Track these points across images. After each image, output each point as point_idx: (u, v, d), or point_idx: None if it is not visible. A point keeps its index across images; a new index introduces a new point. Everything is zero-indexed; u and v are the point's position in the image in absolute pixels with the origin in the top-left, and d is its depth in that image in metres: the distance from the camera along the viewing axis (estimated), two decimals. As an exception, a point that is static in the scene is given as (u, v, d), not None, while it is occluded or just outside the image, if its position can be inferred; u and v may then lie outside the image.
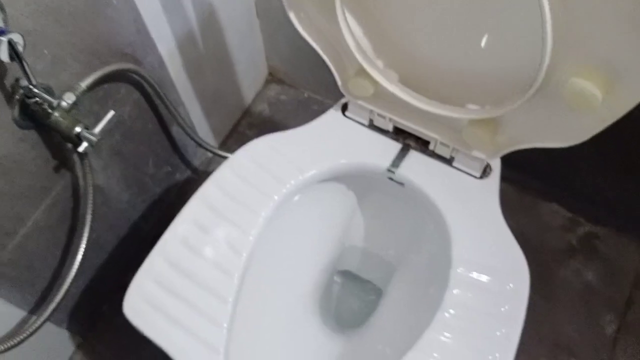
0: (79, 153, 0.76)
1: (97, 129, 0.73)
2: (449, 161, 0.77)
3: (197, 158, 1.22)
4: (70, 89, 0.73)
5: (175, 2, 0.92)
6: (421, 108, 0.71)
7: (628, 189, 1.06)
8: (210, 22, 1.04)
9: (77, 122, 0.71)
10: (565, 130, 0.63)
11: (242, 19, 1.15)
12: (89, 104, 0.81)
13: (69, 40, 0.73)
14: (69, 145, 0.78)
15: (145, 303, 0.67)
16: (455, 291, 0.67)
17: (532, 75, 0.57)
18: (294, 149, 0.78)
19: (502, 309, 0.66)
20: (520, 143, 0.68)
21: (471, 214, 0.73)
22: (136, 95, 0.92)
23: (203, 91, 1.11)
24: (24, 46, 0.61)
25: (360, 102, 0.78)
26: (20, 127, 0.71)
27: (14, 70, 0.65)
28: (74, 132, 0.71)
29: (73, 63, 0.75)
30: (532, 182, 1.19)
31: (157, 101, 0.96)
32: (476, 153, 0.74)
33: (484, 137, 0.69)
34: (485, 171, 0.77)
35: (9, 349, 0.72)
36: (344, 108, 0.82)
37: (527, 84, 0.58)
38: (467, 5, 0.61)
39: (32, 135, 0.74)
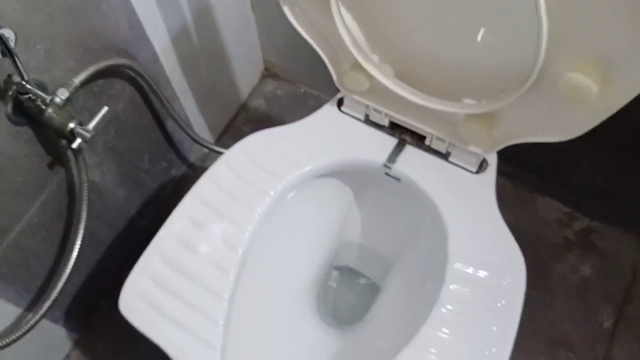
0: (73, 149, 0.75)
1: (91, 124, 0.72)
2: (445, 156, 0.77)
3: (193, 154, 1.21)
4: (64, 84, 0.73)
5: (170, -4, 0.92)
6: (417, 103, 0.71)
7: (625, 184, 1.06)
8: (205, 17, 1.04)
9: (70, 118, 0.70)
10: (562, 124, 0.62)
11: (237, 13, 1.15)
12: (83, 100, 0.81)
13: (62, 36, 0.73)
14: (63, 142, 0.77)
15: (141, 300, 0.67)
16: (451, 286, 0.67)
17: (528, 69, 0.56)
18: (289, 144, 0.77)
19: (499, 304, 0.66)
20: (516, 137, 0.68)
21: (468, 209, 0.73)
22: (130, 90, 0.91)
23: (198, 86, 1.11)
24: (16, 42, 0.60)
25: (355, 96, 0.78)
26: (14, 123, 0.71)
27: (7, 66, 0.65)
28: (68, 128, 0.70)
29: (66, 59, 0.75)
30: (529, 176, 1.19)
31: (152, 97, 0.96)
32: (472, 148, 0.73)
33: (480, 131, 0.69)
34: (482, 166, 0.76)
35: (4, 346, 0.72)
36: (340, 103, 0.82)
37: (523, 78, 0.58)
38: (462, 0, 0.61)
39: (26, 131, 0.73)
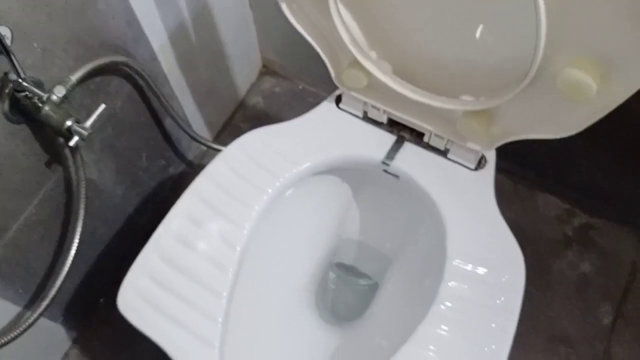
0: (70, 147, 0.75)
1: (88, 122, 0.72)
2: (443, 153, 0.77)
3: (191, 151, 1.21)
4: (61, 82, 0.72)
5: (167, -6, 0.91)
6: (415, 99, 0.71)
7: (624, 180, 1.06)
8: (202, 14, 1.03)
9: (68, 116, 0.70)
10: (560, 121, 0.62)
11: (235, 11, 1.14)
12: (80, 98, 0.80)
13: (59, 34, 0.72)
14: (61, 140, 0.77)
15: (139, 298, 0.67)
16: (450, 283, 0.67)
17: (527, 66, 0.56)
18: (287, 141, 0.77)
19: (498, 301, 0.66)
20: (515, 134, 0.68)
21: (466, 206, 0.73)
22: (128, 88, 0.91)
23: (196, 84, 1.11)
24: (12, 39, 0.60)
25: (354, 93, 0.77)
26: (11, 121, 0.70)
27: (3, 64, 0.64)
28: (65, 126, 0.70)
29: (63, 56, 0.74)
30: (528, 173, 1.18)
31: (150, 94, 0.95)
32: (471, 144, 0.73)
33: (479, 128, 0.69)
34: (480, 163, 0.76)
35: (2, 345, 0.72)
36: (338, 100, 0.81)
37: (521, 74, 0.58)
38: (461, -4, 0.61)
39: (23, 129, 0.73)
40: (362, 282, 1.01)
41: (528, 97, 0.61)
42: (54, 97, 0.70)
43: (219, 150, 0.78)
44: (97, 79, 0.83)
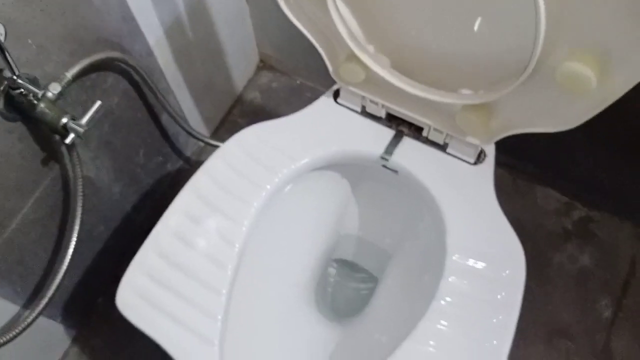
0: (66, 145, 0.74)
1: (84, 119, 0.71)
2: (442, 147, 0.76)
3: (189, 148, 1.21)
4: (56, 79, 0.72)
5: (163, -12, 0.91)
6: (414, 93, 0.70)
7: (623, 174, 1.05)
8: (199, 9, 1.02)
9: (63, 113, 0.69)
10: (560, 114, 0.62)
11: (231, 5, 1.14)
12: (76, 94, 0.80)
13: (54, 30, 0.72)
14: (57, 137, 0.76)
15: (138, 296, 0.66)
16: (450, 279, 0.67)
17: (526, 59, 0.56)
18: (285, 137, 0.77)
19: (499, 296, 0.66)
20: (514, 128, 0.68)
21: (466, 201, 0.72)
22: (124, 84, 0.90)
23: (193, 80, 1.10)
24: (5, 36, 0.59)
25: (352, 88, 0.77)
26: (6, 119, 0.70)
27: (-3, 61, 0.64)
28: (61, 123, 0.69)
29: (58, 53, 0.74)
30: (527, 166, 1.18)
31: (146, 90, 0.95)
32: (470, 139, 0.73)
33: (478, 122, 0.68)
34: (480, 157, 0.76)
35: (2, 345, 0.72)
36: (336, 95, 0.81)
37: (520, 68, 0.57)
38: (459, -12, 0.60)
39: (19, 127, 0.72)
40: (362, 277, 1.01)
41: (527, 90, 0.61)
42: (49, 94, 0.69)
43: (216, 147, 0.77)
44: (93, 76, 0.82)
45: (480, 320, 0.65)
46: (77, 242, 0.79)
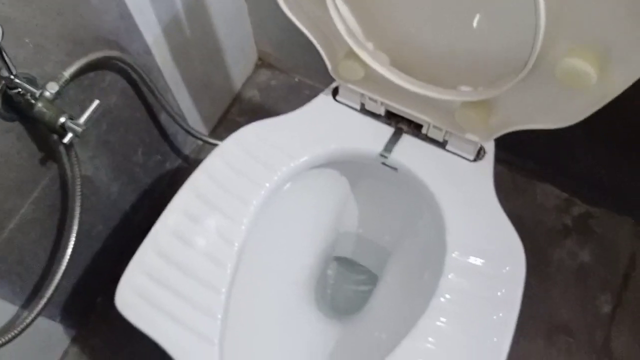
0: (64, 144, 0.74)
1: (82, 119, 0.71)
2: (442, 145, 0.76)
3: (188, 146, 1.20)
4: (54, 78, 0.71)
5: (160, -14, 0.90)
6: (413, 91, 0.70)
7: (622, 169, 1.05)
8: (196, 7, 1.02)
9: (61, 113, 0.69)
10: (560, 111, 0.62)
11: (229, 3, 1.13)
12: (74, 94, 0.79)
13: (51, 29, 0.71)
14: (55, 137, 0.76)
15: (137, 296, 0.66)
16: (450, 276, 0.67)
17: (526, 55, 0.55)
18: (284, 135, 0.76)
19: (499, 293, 0.66)
20: (514, 125, 0.67)
21: (465, 198, 0.72)
22: (122, 83, 0.90)
23: (191, 78, 1.10)
24: (3, 35, 0.59)
25: (351, 85, 0.77)
26: (4, 119, 0.69)
27: (-6, 60, 0.63)
28: (59, 123, 0.69)
29: (56, 52, 0.73)
30: (526, 163, 1.18)
31: (144, 89, 0.95)
32: (470, 136, 0.73)
33: (478, 119, 0.68)
34: (479, 154, 0.76)
35: (1, 345, 0.71)
36: (335, 93, 0.81)
37: (520, 64, 0.57)
38: (458, -15, 0.60)
39: (17, 127, 0.72)
40: (361, 275, 1.01)
41: (527, 87, 0.61)
42: (47, 94, 0.69)
43: (215, 145, 0.77)
44: (91, 75, 0.82)
45: (480, 318, 0.64)
46: (75, 241, 0.79)
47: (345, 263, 1.01)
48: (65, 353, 1.05)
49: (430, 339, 0.63)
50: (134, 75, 0.90)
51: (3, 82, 0.66)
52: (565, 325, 1.06)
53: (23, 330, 0.75)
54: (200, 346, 0.63)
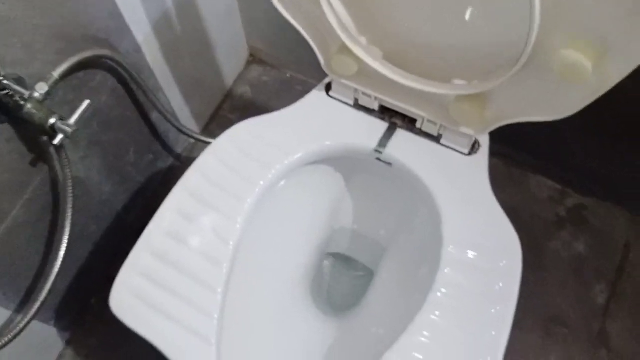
0: (55, 145, 0.73)
1: (73, 119, 0.70)
2: (436, 139, 0.76)
3: (180, 145, 1.19)
4: (43, 78, 0.70)
5: (149, -17, 0.89)
6: (407, 85, 0.69)
7: (615, 160, 1.05)
8: (186, 4, 1.01)
9: (51, 113, 0.68)
10: (555, 103, 0.61)
11: (219, -1, 1.12)
12: (63, 94, 0.78)
13: (40, 28, 0.70)
14: (45, 138, 0.75)
15: (133, 298, 0.65)
16: (447, 270, 0.66)
17: (520, 48, 0.55)
18: (278, 132, 0.76)
19: (496, 287, 0.66)
20: (509, 118, 0.67)
21: (461, 192, 0.72)
22: (113, 82, 0.89)
23: (182, 75, 1.08)
24: (-11, 35, 0.58)
25: (344, 81, 0.76)
26: (-7, 120, 0.68)
27: (-19, 61, 0.62)
28: (49, 124, 0.68)
29: (45, 51, 0.72)
30: (520, 155, 1.18)
31: (135, 87, 0.93)
32: (464, 129, 0.72)
33: (472, 113, 0.68)
34: (474, 147, 0.75)
35: (-6, 350, 0.71)
36: (328, 88, 0.80)
37: (515, 57, 0.57)
38: (451, -22, 0.59)
39: (6, 128, 0.71)
40: (357, 271, 1.00)
41: (522, 79, 0.60)
42: (36, 95, 0.68)
43: (207, 143, 0.76)
44: (80, 74, 0.81)
45: (478, 312, 0.64)
46: (68, 243, 0.78)
47: (340, 259, 1.00)
48: (61, 356, 1.05)
49: (428, 334, 0.63)
50: (125, 74, 0.89)
51: (-10, 83, 0.65)
52: (561, 316, 1.07)
53: (17, 335, 0.74)
54: (197, 346, 0.63)
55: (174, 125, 1.01)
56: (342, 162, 0.82)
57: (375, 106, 0.77)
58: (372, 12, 0.68)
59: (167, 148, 1.14)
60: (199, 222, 0.69)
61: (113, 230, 1.04)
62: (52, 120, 0.68)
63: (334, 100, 0.79)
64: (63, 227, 0.78)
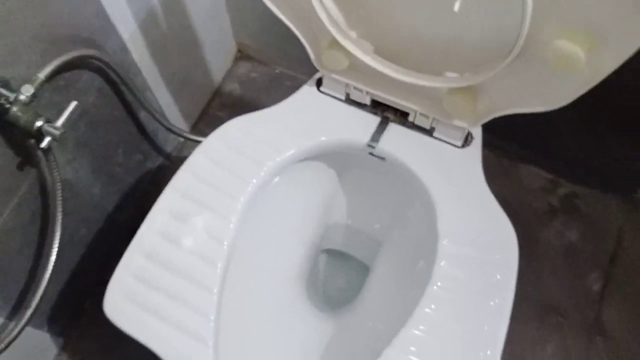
0: (42, 149, 0.72)
1: (60, 121, 0.69)
2: (429, 132, 0.75)
3: (169, 144, 1.18)
4: (28, 80, 0.69)
5: (133, -19, 0.88)
6: (398, 79, 0.69)
7: (605, 147, 1.06)
8: (172, 1, 1.00)
9: (37, 116, 0.67)
10: (548, 94, 0.61)
11: (205, -5, 1.11)
12: (50, 95, 0.77)
13: (23, 29, 0.69)
14: (32, 141, 0.73)
15: (127, 301, 0.64)
16: (443, 264, 0.66)
17: (513, 39, 0.55)
18: (269, 129, 0.75)
19: (493, 279, 0.65)
20: (502, 109, 0.67)
21: (455, 185, 0.72)
22: (99, 82, 0.88)
23: (170, 74, 1.07)
24: (-29, 38, 0.57)
25: (335, 76, 0.75)
26: (-23, 125, 0.67)
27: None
28: (35, 127, 0.67)
29: (29, 53, 0.71)
30: (510, 145, 1.18)
31: (122, 87, 0.92)
32: (457, 122, 0.72)
33: (465, 105, 0.67)
34: (467, 140, 0.75)
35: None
36: (319, 83, 0.79)
37: (507, 48, 0.56)
38: (441, -31, 0.59)
39: (-8, 133, 0.70)
40: (352, 266, 1.00)
41: (514, 71, 0.60)
42: (22, 97, 0.66)
43: (196, 141, 0.75)
44: (66, 75, 0.79)
45: (476, 305, 0.64)
46: (59, 247, 0.77)
47: (335, 255, 1.00)
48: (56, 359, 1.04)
49: (426, 328, 0.63)
50: (111, 74, 0.88)
51: (-26, 87, 0.63)
52: (556, 305, 1.07)
53: (10, 343, 0.72)
54: (194, 348, 0.62)
55: (162, 124, 1.00)
56: (334, 157, 0.82)
57: (367, 101, 0.77)
58: (361, 6, 0.67)
59: (156, 147, 1.13)
60: (192, 222, 0.69)
61: (104, 232, 1.03)
62: (38, 123, 0.67)
63: (325, 96, 0.79)
64: (53, 231, 0.76)
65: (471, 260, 0.67)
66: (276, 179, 0.77)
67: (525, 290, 1.07)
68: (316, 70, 0.77)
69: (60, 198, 0.76)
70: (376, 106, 0.77)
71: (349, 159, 0.81)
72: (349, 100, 0.78)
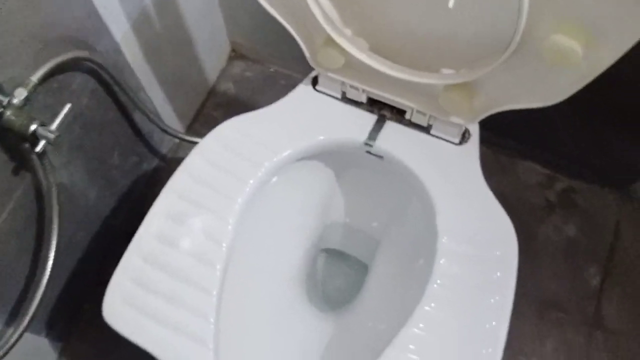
0: (37, 152, 0.71)
1: (54, 124, 0.68)
2: (426, 129, 0.75)
3: (164, 145, 1.17)
4: (21, 83, 0.68)
5: (126, -19, 0.87)
6: (394, 76, 0.68)
7: (601, 141, 1.06)
8: (165, 0, 0.99)
9: (31, 120, 0.66)
10: (545, 89, 0.61)
11: (198, -6, 1.10)
12: (43, 98, 0.76)
13: (15, 32, 0.68)
14: (26, 145, 0.73)
15: (125, 305, 0.64)
16: (442, 261, 0.66)
17: (509, 34, 0.54)
18: (265, 128, 0.74)
19: (493, 276, 0.65)
20: (499, 105, 0.66)
21: (453, 182, 0.71)
22: (93, 84, 0.87)
23: (164, 74, 1.06)
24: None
25: (331, 74, 0.75)
26: (-30, 130, 0.66)
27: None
28: (30, 131, 0.66)
29: (22, 56, 0.70)
30: (507, 141, 1.18)
31: (116, 88, 0.91)
32: (454, 119, 0.72)
33: (462, 102, 0.67)
34: (464, 136, 0.75)
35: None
36: (315, 82, 0.79)
37: (503, 44, 0.56)
38: (436, -35, 0.58)
39: (-15, 138, 0.69)
40: (351, 265, 1.00)
41: (511, 67, 0.60)
42: (15, 101, 0.66)
43: (192, 142, 0.75)
44: (60, 77, 0.78)
45: (476, 302, 0.64)
46: (56, 252, 0.76)
47: (334, 254, 1.00)
48: (55, 363, 1.03)
49: (427, 326, 0.62)
50: (105, 75, 0.87)
51: (-34, 91, 0.62)
52: (556, 300, 1.07)
53: (8, 350, 0.72)
54: (194, 351, 0.62)
55: (157, 126, 0.99)
56: (332, 156, 0.81)
57: (363, 99, 0.76)
58: (355, 2, 0.67)
59: (151, 149, 1.12)
60: (190, 224, 0.68)
61: (101, 235, 1.02)
62: (33, 127, 0.66)
63: (321, 94, 0.78)
64: (50, 236, 0.76)
65: (471, 257, 0.66)
66: (273, 179, 0.76)
67: (524, 286, 1.06)
68: (311, 69, 0.77)
69: (56, 202, 0.75)
70: (373, 104, 0.76)
71: (346, 157, 0.81)
72: (345, 99, 0.77)
